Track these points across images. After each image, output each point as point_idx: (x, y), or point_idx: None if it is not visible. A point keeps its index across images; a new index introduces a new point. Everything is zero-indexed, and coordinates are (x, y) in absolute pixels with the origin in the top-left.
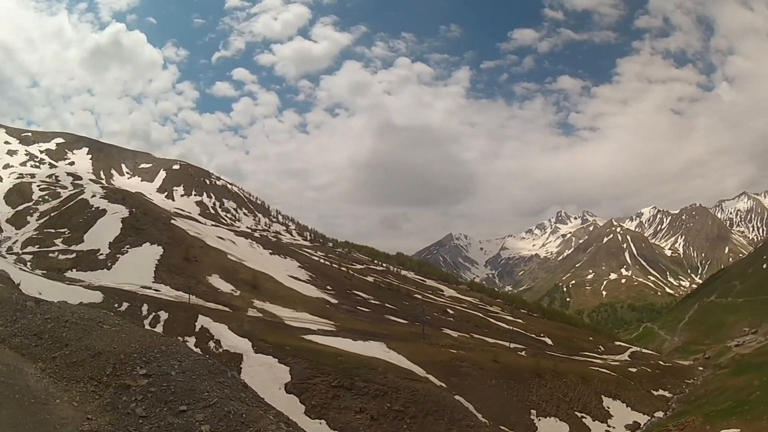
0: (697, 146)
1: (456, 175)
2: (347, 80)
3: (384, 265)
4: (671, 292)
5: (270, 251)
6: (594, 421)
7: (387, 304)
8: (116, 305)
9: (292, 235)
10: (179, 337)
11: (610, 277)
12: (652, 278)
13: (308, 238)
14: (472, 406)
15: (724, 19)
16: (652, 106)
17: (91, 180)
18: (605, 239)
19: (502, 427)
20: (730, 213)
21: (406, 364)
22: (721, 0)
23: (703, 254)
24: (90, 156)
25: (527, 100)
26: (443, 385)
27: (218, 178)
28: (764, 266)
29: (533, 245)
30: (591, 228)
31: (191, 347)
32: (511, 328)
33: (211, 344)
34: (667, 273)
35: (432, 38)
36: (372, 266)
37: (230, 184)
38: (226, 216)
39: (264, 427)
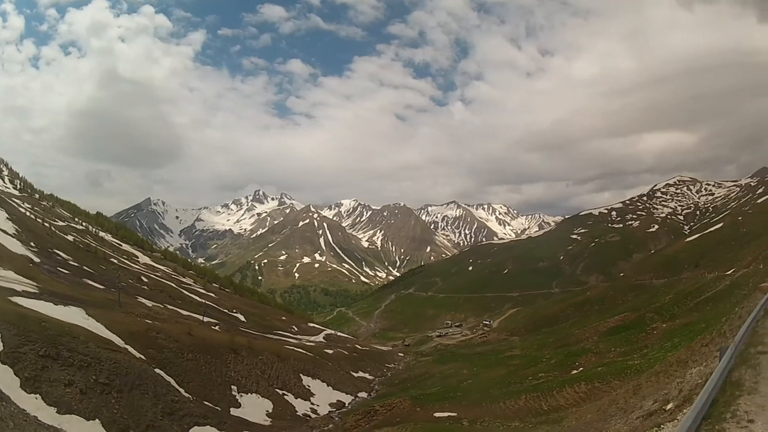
0: (414, 152)
1: (164, 137)
2: (90, 18)
3: (84, 224)
4: (366, 281)
5: None
6: (296, 398)
7: (85, 267)
8: None
9: (4, 181)
10: None
11: (303, 260)
12: (347, 266)
13: (18, 186)
14: (173, 380)
15: (484, 47)
16: (377, 106)
17: None
18: (301, 223)
19: (206, 403)
20: (437, 217)
21: (105, 333)
22: (488, 31)
23: (402, 250)
24: None
25: (251, 75)
26: (142, 357)
27: None
28: (470, 268)
29: (228, 220)
30: (288, 210)
31: None
32: (204, 301)
33: None
34: (363, 263)
35: None
36: (73, 224)
37: None
38: None
39: None
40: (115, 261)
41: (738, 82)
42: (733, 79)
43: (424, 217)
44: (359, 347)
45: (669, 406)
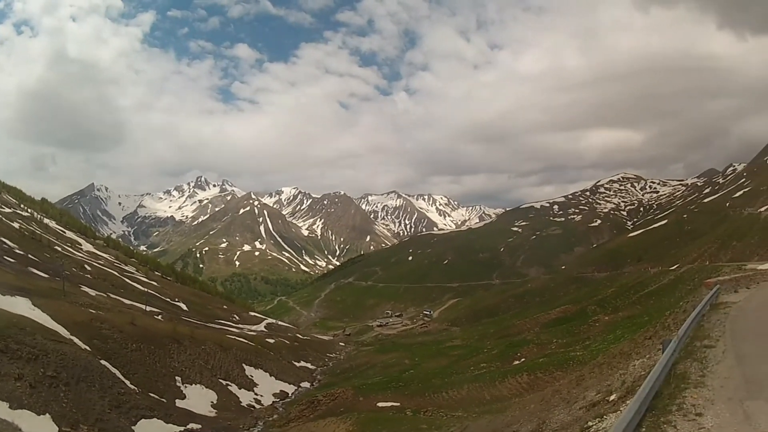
0: (356, 141)
1: (107, 121)
2: None
3: (30, 211)
4: (306, 270)
5: None
6: (240, 389)
7: (30, 255)
8: None
9: None
10: None
11: (244, 248)
12: (287, 254)
13: None
14: (118, 372)
15: (433, 38)
16: (321, 93)
17: None
18: (242, 211)
19: (152, 395)
20: (377, 207)
21: (51, 324)
22: (438, 22)
23: (342, 239)
24: None
25: (198, 59)
26: (88, 348)
27: None
28: (409, 258)
29: (170, 207)
30: (229, 198)
31: None
32: (146, 290)
33: None
34: (303, 252)
35: None
36: (19, 211)
37: None
38: None
39: None
40: (60, 249)
41: (691, 85)
42: (686, 81)
43: (364, 207)
44: (300, 336)
45: (612, 397)
